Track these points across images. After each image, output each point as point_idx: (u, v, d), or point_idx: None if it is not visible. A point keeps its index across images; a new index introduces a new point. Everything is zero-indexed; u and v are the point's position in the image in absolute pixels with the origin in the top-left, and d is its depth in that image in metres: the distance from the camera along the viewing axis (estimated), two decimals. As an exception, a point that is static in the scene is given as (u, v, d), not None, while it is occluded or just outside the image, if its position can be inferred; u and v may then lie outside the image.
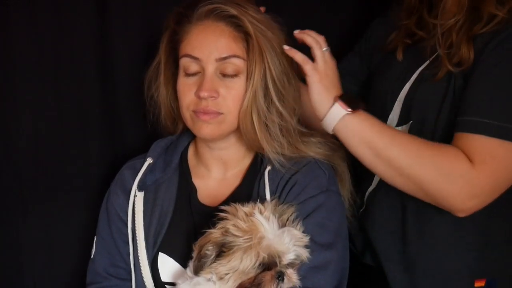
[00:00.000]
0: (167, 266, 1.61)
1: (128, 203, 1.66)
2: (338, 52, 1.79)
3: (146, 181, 1.67)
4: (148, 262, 1.61)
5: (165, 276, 1.61)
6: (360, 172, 1.74)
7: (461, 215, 1.52)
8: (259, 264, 1.34)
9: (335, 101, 1.53)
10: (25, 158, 1.92)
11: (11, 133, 1.90)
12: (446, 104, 1.57)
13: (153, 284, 1.62)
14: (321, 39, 1.58)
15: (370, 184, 1.78)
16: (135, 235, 1.64)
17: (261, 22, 1.57)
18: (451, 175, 1.47)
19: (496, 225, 1.63)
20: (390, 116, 1.70)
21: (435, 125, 1.59)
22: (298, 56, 1.56)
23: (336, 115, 1.52)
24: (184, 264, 1.54)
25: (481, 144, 1.46)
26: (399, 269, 1.70)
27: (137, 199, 1.65)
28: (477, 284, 1.62)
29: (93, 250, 1.72)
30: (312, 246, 1.45)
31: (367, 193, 1.79)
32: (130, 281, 1.67)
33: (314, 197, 1.53)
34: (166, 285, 1.60)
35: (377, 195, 1.75)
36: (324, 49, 1.57)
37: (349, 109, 1.51)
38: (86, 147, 1.98)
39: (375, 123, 1.54)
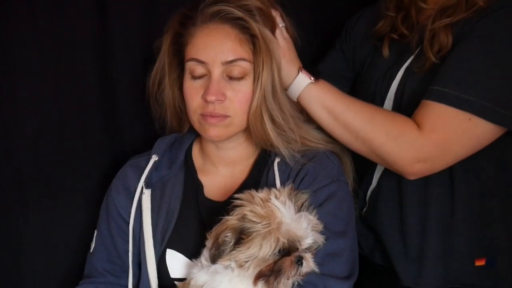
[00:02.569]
0: (177, 262, 1.61)
1: (130, 201, 1.67)
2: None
3: (152, 178, 1.68)
4: (156, 259, 1.61)
5: (174, 272, 1.62)
6: (360, 173, 1.79)
7: (410, 177, 1.64)
8: (279, 250, 1.34)
9: (299, 71, 1.63)
10: (25, 158, 1.91)
11: (11, 133, 1.89)
12: None
13: (157, 282, 1.62)
14: (277, 15, 1.65)
15: (371, 184, 1.82)
16: (142, 232, 1.64)
17: (268, 20, 1.57)
18: (398, 139, 1.58)
19: (491, 206, 1.69)
20: None
21: None
22: None
23: (301, 84, 1.63)
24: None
25: (437, 112, 1.55)
26: (408, 262, 1.74)
27: (144, 196, 1.65)
28: (477, 263, 1.69)
29: (93, 244, 1.73)
30: (326, 233, 1.47)
31: (368, 193, 1.83)
32: (126, 277, 1.68)
33: (326, 186, 1.55)
34: (175, 281, 1.60)
35: (380, 192, 1.79)
36: (281, 25, 1.64)
37: (312, 78, 1.63)
38: (86, 147, 1.98)
39: (335, 91, 1.66)
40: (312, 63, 1.85)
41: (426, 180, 1.67)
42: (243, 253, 1.34)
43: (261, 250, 1.33)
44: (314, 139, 1.64)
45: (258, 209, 1.35)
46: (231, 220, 1.37)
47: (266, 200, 1.37)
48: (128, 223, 1.67)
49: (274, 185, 1.56)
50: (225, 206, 1.44)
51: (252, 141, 1.64)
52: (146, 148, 1.77)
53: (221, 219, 1.41)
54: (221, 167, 1.70)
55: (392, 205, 1.76)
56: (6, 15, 1.85)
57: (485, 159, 1.65)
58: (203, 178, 1.69)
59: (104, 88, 1.97)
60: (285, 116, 1.58)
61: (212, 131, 1.57)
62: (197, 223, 1.61)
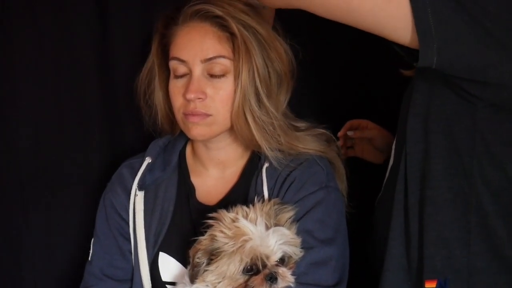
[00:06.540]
0: (168, 265, 1.61)
1: (128, 202, 1.67)
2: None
3: (145, 180, 1.67)
4: (148, 261, 1.61)
5: (166, 276, 1.61)
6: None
7: None
8: (244, 269, 1.35)
9: None
10: (25, 158, 1.92)
11: (11, 133, 1.90)
12: None
13: (150, 284, 1.61)
14: None
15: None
16: (136, 234, 1.64)
17: (248, 19, 1.56)
18: None
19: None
20: None
21: None
22: None
23: None
24: (184, 263, 1.54)
25: None
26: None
27: (138, 198, 1.65)
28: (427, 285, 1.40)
29: (91, 252, 1.72)
30: (312, 242, 1.47)
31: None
32: (127, 281, 1.68)
33: (313, 194, 1.54)
34: (166, 285, 1.60)
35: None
36: None
37: None
38: (86, 148, 1.97)
39: None
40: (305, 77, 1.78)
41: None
42: (212, 273, 1.35)
43: (228, 269, 1.34)
44: (302, 145, 1.62)
45: (226, 230, 1.36)
46: (204, 241, 1.38)
47: (235, 220, 1.37)
48: (129, 224, 1.67)
49: (262, 192, 1.55)
50: (215, 210, 1.45)
51: (240, 142, 1.63)
52: (145, 149, 1.76)
53: (207, 226, 1.42)
54: (211, 169, 1.69)
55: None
56: (6, 15, 1.85)
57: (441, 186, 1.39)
58: (195, 180, 1.69)
59: (104, 88, 1.97)
60: (269, 119, 1.56)
61: (195, 130, 1.57)
62: (189, 227, 1.61)
